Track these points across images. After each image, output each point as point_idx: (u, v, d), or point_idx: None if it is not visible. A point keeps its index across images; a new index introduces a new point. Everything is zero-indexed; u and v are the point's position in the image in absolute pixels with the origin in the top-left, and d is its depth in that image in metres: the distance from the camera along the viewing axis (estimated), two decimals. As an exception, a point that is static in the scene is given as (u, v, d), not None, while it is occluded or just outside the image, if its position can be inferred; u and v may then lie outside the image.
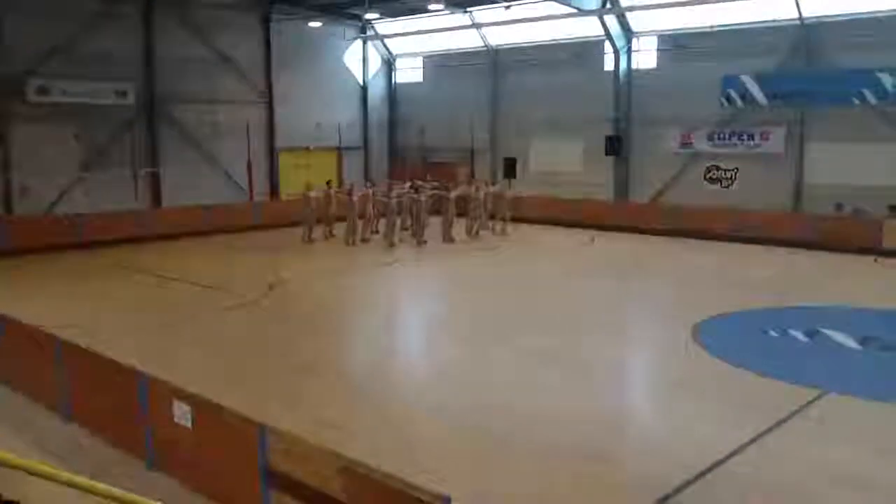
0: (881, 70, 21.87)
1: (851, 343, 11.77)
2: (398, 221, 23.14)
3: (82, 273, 18.21)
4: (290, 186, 29.62)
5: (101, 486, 3.52)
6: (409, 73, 34.32)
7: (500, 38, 30.43)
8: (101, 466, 7.30)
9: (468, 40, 31.03)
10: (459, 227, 23.27)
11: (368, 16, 30.39)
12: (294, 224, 24.24)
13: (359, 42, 32.81)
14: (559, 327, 13.20)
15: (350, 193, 23.16)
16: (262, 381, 10.15)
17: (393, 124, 34.72)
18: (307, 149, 30.67)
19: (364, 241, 22.92)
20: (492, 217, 25.06)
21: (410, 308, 16.23)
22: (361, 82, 33.22)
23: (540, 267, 19.63)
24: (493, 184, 26.36)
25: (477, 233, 24.06)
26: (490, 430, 8.48)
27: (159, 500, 3.75)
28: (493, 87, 31.05)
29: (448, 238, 22.89)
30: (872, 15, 21.96)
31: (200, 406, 6.87)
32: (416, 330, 14.35)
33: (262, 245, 22.40)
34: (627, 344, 12.81)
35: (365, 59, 33.22)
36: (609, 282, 17.49)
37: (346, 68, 32.57)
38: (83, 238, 21.44)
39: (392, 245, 21.79)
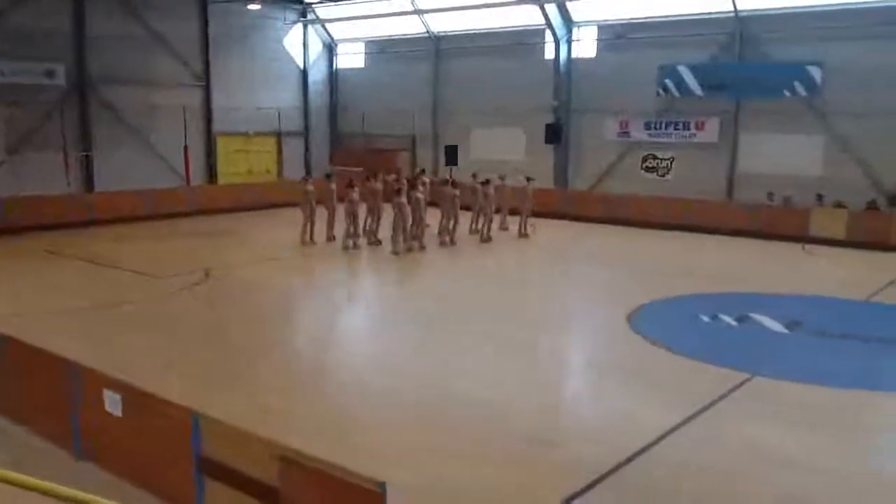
0: (811, 63, 22.51)
1: (779, 327, 12.15)
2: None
3: (8, 258, 17.62)
4: (230, 171, 29.26)
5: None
6: (351, 58, 33.98)
7: (443, 24, 30.36)
8: (25, 457, 7.10)
9: (410, 26, 30.87)
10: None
11: (309, -1, 30.02)
12: (231, 210, 23.84)
13: (299, 26, 32.36)
14: (500, 312, 13.30)
15: (351, 185, 19.59)
16: (202, 368, 10.00)
17: (334, 110, 34.40)
18: (246, 134, 30.18)
19: (372, 243, 20.01)
20: (514, 213, 22.14)
21: (353, 291, 16.15)
22: (302, 67, 32.78)
23: (481, 253, 19.70)
24: (502, 178, 22.76)
25: (487, 234, 21.14)
26: (432, 416, 8.52)
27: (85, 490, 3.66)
28: (435, 74, 30.98)
29: (451, 240, 20.14)
30: (804, 9, 22.58)
31: (131, 394, 6.73)
32: (358, 313, 14.29)
33: (198, 231, 21.98)
34: (565, 329, 12.98)
35: (305, 44, 32.78)
36: (547, 268, 17.69)
37: (287, 52, 32.09)
38: (9, 223, 20.71)
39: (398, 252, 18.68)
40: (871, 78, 21.48)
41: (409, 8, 29.60)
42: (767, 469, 7.28)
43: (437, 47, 30.78)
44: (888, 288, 15.32)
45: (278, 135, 31.54)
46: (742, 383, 9.54)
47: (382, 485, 4.80)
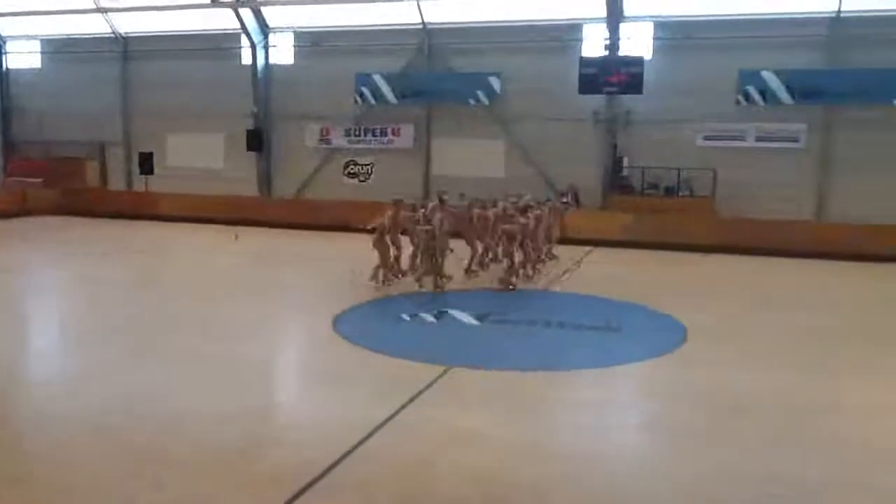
0: (491, 74, 24.55)
1: (471, 320, 13.10)
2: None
3: None
4: None
5: None
6: (25, 57, 30.82)
7: (131, 25, 28.64)
8: None
9: (93, 25, 28.73)
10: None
11: (-33, -10, 26.77)
12: None
13: (-44, 19, 28.76)
14: (204, 326, 12.85)
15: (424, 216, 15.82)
16: None
17: (6, 114, 30.99)
18: None
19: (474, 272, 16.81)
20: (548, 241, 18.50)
21: (41, 311, 14.64)
22: (-38, 66, 29.16)
23: (183, 266, 18.93)
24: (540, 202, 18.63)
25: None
26: (133, 437, 8.00)
27: None
28: (125, 77, 29.20)
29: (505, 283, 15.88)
30: (483, 24, 24.58)
31: None
32: (51, 335, 12.99)
33: None
34: (270, 338, 12.84)
35: (-35, 40, 29.20)
36: (253, 277, 17.43)
37: (-59, 49, 28.35)
38: None
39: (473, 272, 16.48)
40: (541, 87, 23.95)
41: (90, 5, 27.54)
42: (467, 451, 7.78)
43: (126, 49, 29.01)
44: (563, 277, 17.20)
45: (-65, 143, 27.77)
46: (440, 376, 10.12)
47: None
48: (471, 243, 16.83)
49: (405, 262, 16.15)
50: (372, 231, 15.31)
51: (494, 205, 17.07)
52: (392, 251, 15.66)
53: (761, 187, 22.83)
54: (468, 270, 16.66)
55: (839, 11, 22.07)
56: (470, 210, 16.83)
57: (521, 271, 16.17)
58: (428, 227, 15.27)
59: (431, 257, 15.30)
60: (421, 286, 15.47)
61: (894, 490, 6.93)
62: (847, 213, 22.23)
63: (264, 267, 18.97)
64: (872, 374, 10.54)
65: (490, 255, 17.45)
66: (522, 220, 15.73)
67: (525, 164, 24.70)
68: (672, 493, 6.89)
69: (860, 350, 11.83)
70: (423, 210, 16.28)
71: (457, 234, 16.32)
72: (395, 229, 15.57)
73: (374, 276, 15.51)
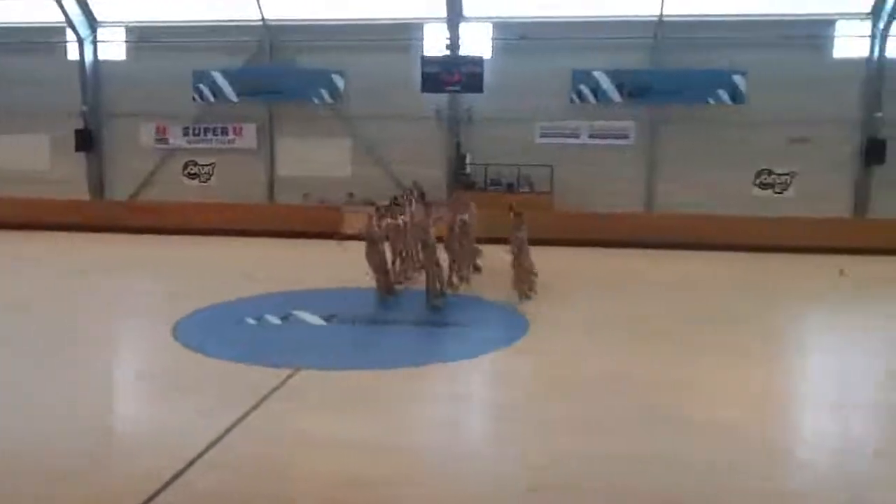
0: (335, 72, 24.45)
1: (318, 321, 13.02)
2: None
3: None
4: None
5: None
6: None
7: (-64, 15, 26.33)
8: None
9: None
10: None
11: None
12: None
13: None
14: (34, 337, 12.06)
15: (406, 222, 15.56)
16: None
17: None
18: None
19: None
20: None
21: None
22: None
23: (9, 276, 17.68)
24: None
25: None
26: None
27: None
28: (-69, 73, 26.79)
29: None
30: (328, 23, 24.40)
31: None
32: None
33: None
34: (105, 348, 12.26)
35: None
36: (87, 285, 16.55)
37: None
38: None
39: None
40: (384, 85, 24.10)
41: None
42: (320, 453, 7.75)
43: (-69, 41, 26.64)
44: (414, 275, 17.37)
45: None
46: (287, 378, 10.00)
47: None
48: (450, 250, 15.55)
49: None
50: (350, 238, 14.78)
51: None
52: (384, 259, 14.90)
53: (595, 182, 24.01)
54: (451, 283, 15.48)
55: (661, 15, 23.51)
56: (453, 214, 15.82)
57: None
58: (423, 235, 14.71)
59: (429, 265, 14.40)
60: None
61: (727, 460, 7.52)
62: (672, 204, 23.83)
63: (97, 274, 18.01)
64: (707, 355, 11.26)
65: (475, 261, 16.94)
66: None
67: (371, 163, 24.76)
68: (523, 479, 7.16)
69: (694, 332, 12.66)
70: (402, 215, 15.79)
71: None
72: (382, 237, 14.82)
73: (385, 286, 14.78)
